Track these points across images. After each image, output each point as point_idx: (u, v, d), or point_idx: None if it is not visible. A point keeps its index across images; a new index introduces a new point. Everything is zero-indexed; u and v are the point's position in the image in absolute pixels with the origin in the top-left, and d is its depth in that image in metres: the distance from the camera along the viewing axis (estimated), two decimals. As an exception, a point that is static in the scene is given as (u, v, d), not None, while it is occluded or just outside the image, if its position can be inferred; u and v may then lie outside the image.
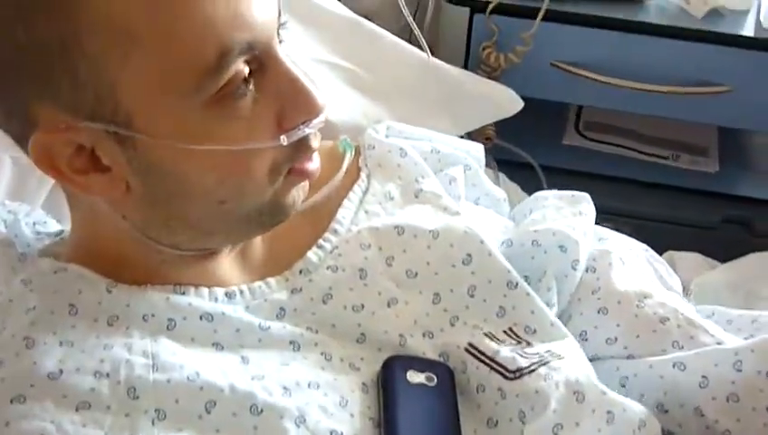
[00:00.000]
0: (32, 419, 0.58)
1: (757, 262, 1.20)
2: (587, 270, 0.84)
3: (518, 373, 0.70)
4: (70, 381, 0.60)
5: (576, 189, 0.95)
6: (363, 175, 0.85)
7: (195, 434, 0.61)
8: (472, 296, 0.77)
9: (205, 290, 0.69)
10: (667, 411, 0.74)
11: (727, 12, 1.29)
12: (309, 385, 0.66)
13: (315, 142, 0.67)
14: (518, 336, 0.75)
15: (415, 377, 0.68)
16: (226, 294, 0.70)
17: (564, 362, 0.71)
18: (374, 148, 0.88)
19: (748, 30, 1.28)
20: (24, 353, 0.61)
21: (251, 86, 0.61)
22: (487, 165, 1.26)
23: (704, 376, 0.73)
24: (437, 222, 0.80)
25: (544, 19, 1.25)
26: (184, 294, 0.68)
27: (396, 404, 0.66)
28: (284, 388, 0.64)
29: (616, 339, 0.80)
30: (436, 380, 0.69)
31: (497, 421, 0.70)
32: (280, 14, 0.64)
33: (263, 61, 0.62)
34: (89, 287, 0.66)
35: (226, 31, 0.58)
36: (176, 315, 0.66)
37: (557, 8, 1.26)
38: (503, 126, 1.35)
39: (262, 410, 0.62)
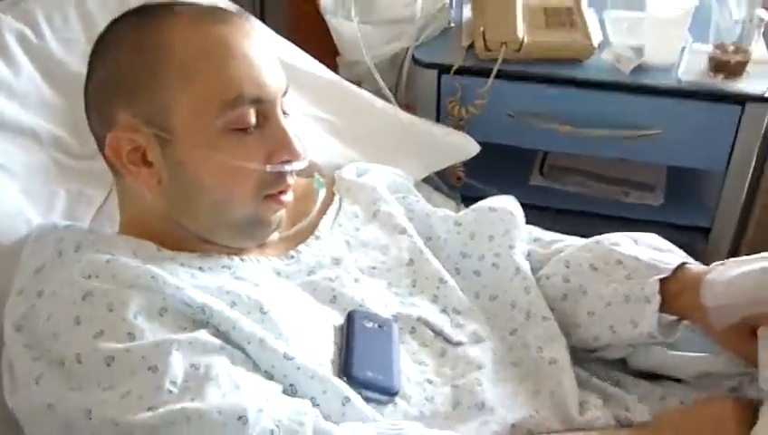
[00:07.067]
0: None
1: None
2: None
3: (459, 344, 0.97)
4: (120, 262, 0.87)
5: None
6: (336, 199, 1.14)
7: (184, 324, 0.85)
8: (414, 286, 1.05)
9: (224, 256, 0.96)
10: (569, 281, 1.05)
11: (652, 67, 1.53)
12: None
13: (290, 179, 0.96)
14: (448, 315, 1.02)
15: (369, 324, 0.95)
16: (241, 259, 0.97)
17: (487, 344, 0.99)
18: (344, 179, 1.17)
19: (671, 82, 1.52)
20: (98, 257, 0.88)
21: (254, 127, 0.91)
22: (454, 200, 1.52)
23: (593, 264, 1.05)
24: (390, 238, 1.09)
25: (497, 77, 1.51)
26: (210, 256, 0.95)
27: (353, 337, 0.92)
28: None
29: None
30: (384, 328, 0.95)
31: (427, 364, 0.95)
32: (287, 89, 0.96)
33: (267, 113, 0.93)
34: (142, 247, 0.93)
35: (244, 85, 0.90)
36: (204, 265, 0.93)
37: (508, 69, 1.52)
38: (476, 169, 1.60)
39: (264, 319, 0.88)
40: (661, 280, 0.97)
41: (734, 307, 0.93)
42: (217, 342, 0.83)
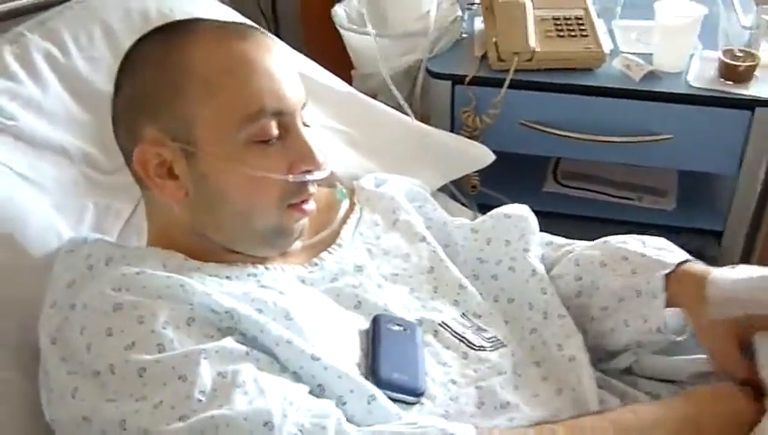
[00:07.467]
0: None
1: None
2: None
3: (481, 349, 1.00)
4: (148, 273, 0.89)
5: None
6: (357, 208, 1.17)
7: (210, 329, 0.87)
8: (436, 292, 1.08)
9: (249, 266, 0.98)
10: (581, 278, 1.08)
11: (662, 74, 1.56)
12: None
13: (312, 189, 0.99)
14: (469, 319, 1.05)
15: (393, 327, 0.97)
16: (265, 268, 0.99)
17: (507, 350, 1.01)
18: (364, 189, 1.20)
19: (681, 88, 1.55)
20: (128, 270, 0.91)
21: (276, 139, 0.94)
22: (471, 208, 1.55)
23: (603, 261, 1.07)
24: (410, 247, 1.12)
25: (510, 87, 1.55)
26: (236, 265, 0.98)
27: (379, 340, 0.95)
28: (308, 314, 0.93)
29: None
30: (408, 331, 0.98)
31: (451, 365, 0.97)
32: (306, 101, 0.99)
33: (287, 125, 0.95)
34: (171, 258, 0.95)
35: (265, 99, 0.93)
36: (230, 274, 0.96)
37: (520, 78, 1.56)
38: (490, 177, 1.62)
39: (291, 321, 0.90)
40: (666, 275, 1.00)
41: (736, 302, 0.94)
42: (243, 348, 0.85)
